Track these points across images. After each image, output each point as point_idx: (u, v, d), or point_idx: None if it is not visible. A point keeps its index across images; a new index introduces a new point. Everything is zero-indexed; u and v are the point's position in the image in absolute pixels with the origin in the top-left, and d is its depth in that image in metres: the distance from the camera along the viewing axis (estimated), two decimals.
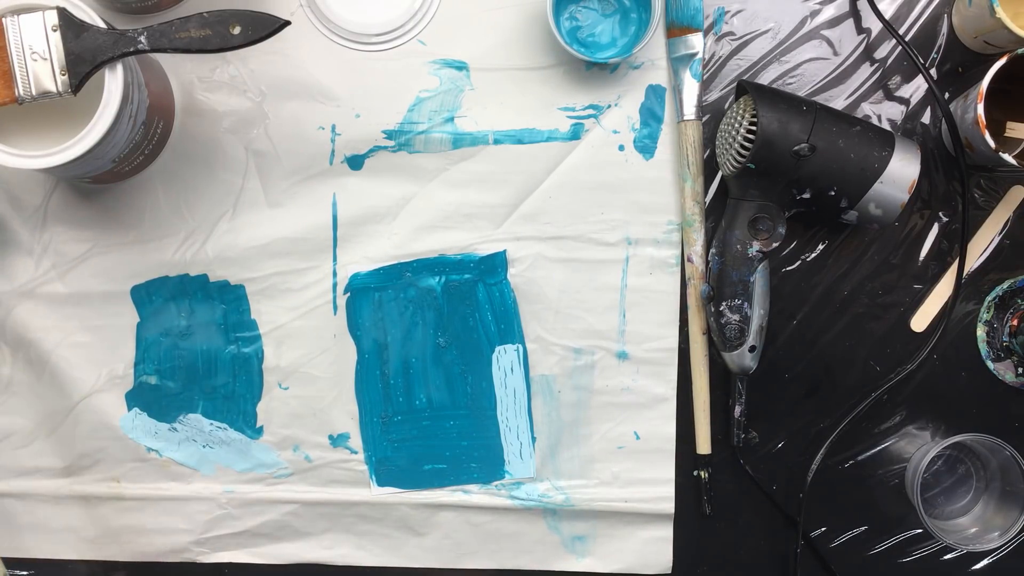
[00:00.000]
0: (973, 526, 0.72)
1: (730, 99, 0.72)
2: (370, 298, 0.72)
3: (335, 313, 0.72)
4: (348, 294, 0.72)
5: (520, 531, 0.73)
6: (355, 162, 0.72)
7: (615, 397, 0.72)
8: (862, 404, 0.72)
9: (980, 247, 0.73)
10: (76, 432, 0.72)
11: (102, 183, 0.71)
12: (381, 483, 0.73)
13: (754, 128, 0.65)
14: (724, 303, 0.69)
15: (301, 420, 0.72)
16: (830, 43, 0.73)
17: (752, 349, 0.69)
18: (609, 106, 0.72)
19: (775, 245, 0.68)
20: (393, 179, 0.72)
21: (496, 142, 0.71)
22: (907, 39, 0.72)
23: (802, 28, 0.73)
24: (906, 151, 0.66)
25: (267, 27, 0.60)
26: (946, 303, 0.72)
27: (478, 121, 0.71)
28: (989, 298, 0.73)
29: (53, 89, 0.59)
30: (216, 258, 0.71)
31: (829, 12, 0.73)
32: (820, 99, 0.72)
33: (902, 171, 0.66)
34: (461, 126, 0.71)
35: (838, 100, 0.72)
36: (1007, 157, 0.65)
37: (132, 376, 0.72)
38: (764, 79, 0.73)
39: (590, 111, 0.72)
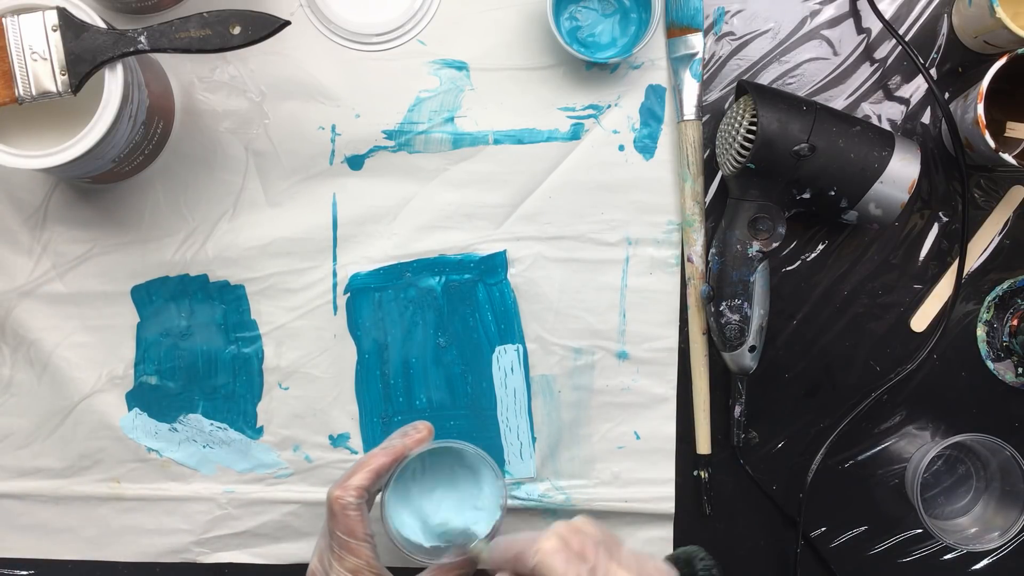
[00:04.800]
0: (973, 526, 0.72)
1: (730, 99, 0.72)
2: (370, 298, 0.72)
3: (335, 313, 0.72)
4: (348, 294, 0.72)
5: (520, 531, 0.73)
6: (355, 162, 0.72)
7: (615, 397, 0.72)
8: (862, 404, 0.72)
9: (980, 247, 0.73)
10: (76, 432, 0.72)
11: (102, 183, 0.71)
12: None
13: (754, 128, 0.65)
14: (724, 303, 0.69)
15: (301, 420, 0.72)
16: (830, 43, 0.73)
17: (752, 349, 0.69)
18: (609, 106, 0.72)
19: (775, 245, 0.68)
20: (393, 179, 0.72)
21: (496, 142, 0.71)
22: (907, 39, 0.72)
23: (802, 28, 0.73)
24: (906, 151, 0.66)
25: (267, 27, 0.60)
26: (946, 303, 0.72)
27: (478, 121, 0.71)
28: (989, 298, 0.73)
29: (53, 89, 0.59)
30: (216, 258, 0.71)
31: (829, 12, 0.73)
32: (820, 99, 0.72)
33: (902, 171, 0.66)
34: (461, 126, 0.71)
35: (838, 100, 0.72)
36: (1007, 157, 0.65)
37: (132, 376, 0.72)
38: (764, 79, 0.73)
39: (590, 111, 0.72)
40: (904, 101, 0.73)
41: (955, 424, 0.73)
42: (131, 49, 0.59)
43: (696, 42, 0.71)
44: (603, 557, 0.51)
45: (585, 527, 0.53)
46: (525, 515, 0.73)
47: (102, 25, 0.59)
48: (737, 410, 0.71)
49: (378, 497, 0.63)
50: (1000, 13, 0.64)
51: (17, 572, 0.73)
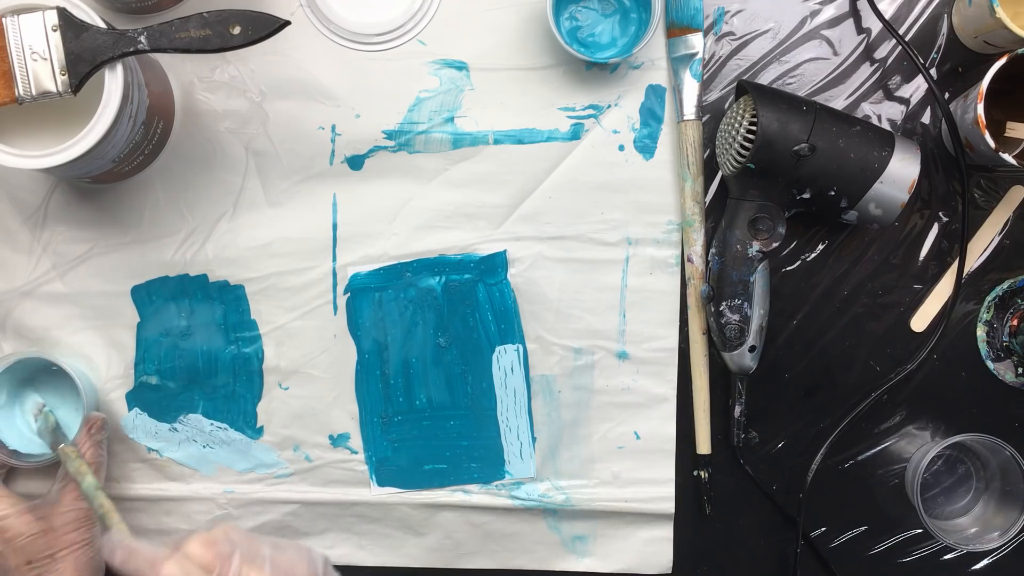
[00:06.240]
0: (973, 526, 0.72)
1: (730, 99, 0.72)
2: (370, 298, 0.72)
3: (335, 313, 0.72)
4: (348, 294, 0.72)
5: (520, 531, 0.73)
6: (355, 162, 0.72)
7: (615, 397, 0.72)
8: (862, 404, 0.72)
9: (980, 247, 0.73)
10: None
11: (102, 183, 0.71)
12: (381, 483, 0.73)
13: (754, 128, 0.65)
14: (724, 303, 0.69)
15: (301, 420, 0.72)
16: (830, 43, 0.73)
17: (752, 349, 0.69)
18: (609, 106, 0.72)
19: (775, 245, 0.68)
20: (393, 179, 0.72)
21: (496, 142, 0.71)
22: (907, 39, 0.72)
23: (802, 28, 0.73)
24: (906, 151, 0.66)
25: (267, 27, 0.60)
26: (946, 303, 0.72)
27: (478, 121, 0.71)
28: (989, 298, 0.73)
29: (53, 89, 0.59)
30: (216, 258, 0.71)
31: (829, 12, 0.73)
32: (820, 99, 0.72)
33: (902, 171, 0.66)
34: (461, 126, 0.71)
35: (838, 100, 0.72)
36: (1007, 157, 0.65)
37: (132, 376, 0.72)
38: (764, 79, 0.73)
39: (590, 111, 0.72)
40: (904, 101, 0.73)
41: (955, 424, 0.73)
42: (131, 49, 0.59)
43: (696, 42, 0.71)
44: (235, 568, 0.51)
45: (217, 542, 0.52)
46: (525, 515, 0.73)
47: (102, 25, 0.59)
48: (737, 410, 0.71)
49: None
50: (1000, 13, 0.64)
51: None
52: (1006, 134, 0.69)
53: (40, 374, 0.70)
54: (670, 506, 0.73)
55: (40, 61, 0.58)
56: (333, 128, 0.71)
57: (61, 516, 0.63)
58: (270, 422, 0.72)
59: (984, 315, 0.73)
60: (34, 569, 0.61)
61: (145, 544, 0.52)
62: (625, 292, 0.72)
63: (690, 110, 0.70)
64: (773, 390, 0.73)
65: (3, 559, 0.60)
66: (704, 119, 0.72)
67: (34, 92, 0.59)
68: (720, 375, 0.73)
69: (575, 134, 0.72)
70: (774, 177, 0.66)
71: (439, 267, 0.72)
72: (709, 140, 0.72)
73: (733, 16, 0.72)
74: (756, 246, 0.68)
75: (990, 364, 0.73)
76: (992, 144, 0.64)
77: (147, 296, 0.72)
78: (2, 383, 0.69)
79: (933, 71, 0.72)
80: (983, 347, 0.73)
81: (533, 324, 0.72)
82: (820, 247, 0.73)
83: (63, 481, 0.65)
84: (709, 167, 0.72)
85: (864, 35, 0.73)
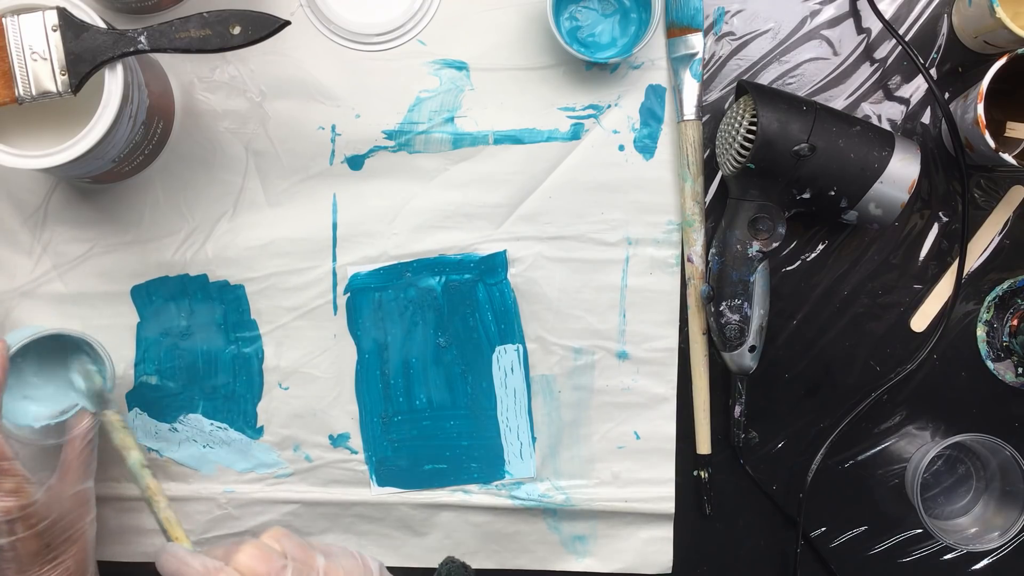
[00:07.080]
0: (973, 526, 0.72)
1: (730, 99, 0.72)
2: (370, 298, 0.72)
3: (335, 313, 0.72)
4: (348, 294, 0.72)
5: (520, 531, 0.73)
6: (355, 162, 0.72)
7: (615, 397, 0.72)
8: (862, 404, 0.72)
9: (980, 247, 0.73)
10: None
11: (102, 183, 0.71)
12: (381, 483, 0.73)
13: (754, 128, 0.65)
14: (724, 303, 0.69)
15: (301, 420, 0.72)
16: (830, 43, 0.73)
17: (752, 349, 0.69)
18: (609, 106, 0.72)
19: (775, 245, 0.68)
20: (393, 179, 0.72)
21: (496, 142, 0.71)
22: (907, 39, 0.72)
23: (802, 28, 0.73)
24: (906, 151, 0.66)
25: (267, 27, 0.60)
26: (946, 303, 0.72)
27: (478, 121, 0.71)
28: (989, 298, 0.73)
29: (53, 89, 0.59)
30: (216, 258, 0.71)
31: (829, 12, 0.73)
32: (820, 99, 0.72)
33: (902, 171, 0.66)
34: (461, 126, 0.71)
35: (838, 100, 0.72)
36: (1007, 157, 0.65)
37: (132, 376, 0.72)
38: (764, 79, 0.73)
39: (590, 111, 0.72)
40: (904, 101, 0.73)
41: (955, 424, 0.73)
42: (131, 49, 0.59)
43: (696, 42, 0.71)
44: None
45: (269, 555, 0.53)
46: (525, 515, 0.73)
47: (102, 25, 0.59)
48: (737, 410, 0.71)
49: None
50: (1000, 13, 0.64)
51: None
52: (1006, 134, 0.69)
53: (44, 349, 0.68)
54: (670, 506, 0.73)
55: (40, 61, 0.58)
56: (333, 128, 0.71)
57: (71, 499, 0.64)
58: (270, 422, 0.72)
59: (984, 315, 0.73)
60: (51, 551, 0.62)
61: (197, 557, 0.53)
62: (625, 292, 0.72)
63: (690, 110, 0.70)
64: (773, 390, 0.73)
65: (25, 544, 0.61)
66: (704, 119, 0.72)
67: (34, 92, 0.59)
68: (720, 375, 0.73)
69: (575, 134, 0.72)
70: (774, 177, 0.66)
71: (439, 267, 0.72)
72: (709, 140, 0.72)
73: (733, 16, 0.72)
74: (756, 246, 0.68)
75: (990, 364, 0.73)
76: (992, 144, 0.64)
77: (147, 296, 0.72)
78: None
79: (933, 71, 0.72)
80: (983, 347, 0.73)
81: (533, 324, 0.72)
82: (820, 247, 0.73)
83: (63, 464, 0.65)
84: (709, 167, 0.72)
85: (864, 35, 0.73)
